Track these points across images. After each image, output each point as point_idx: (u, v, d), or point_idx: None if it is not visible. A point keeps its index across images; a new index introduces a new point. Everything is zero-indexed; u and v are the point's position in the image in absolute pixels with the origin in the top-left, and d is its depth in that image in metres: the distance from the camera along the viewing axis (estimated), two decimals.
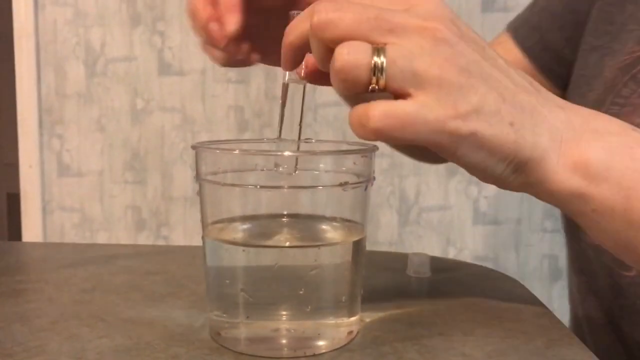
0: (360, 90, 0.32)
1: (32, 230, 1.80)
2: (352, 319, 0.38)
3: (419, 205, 1.74)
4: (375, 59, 0.31)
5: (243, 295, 0.35)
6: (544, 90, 0.36)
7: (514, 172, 0.35)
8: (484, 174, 0.35)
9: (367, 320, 0.41)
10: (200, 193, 0.38)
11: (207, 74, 1.75)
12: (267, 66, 0.47)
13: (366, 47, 0.31)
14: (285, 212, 0.38)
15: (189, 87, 1.76)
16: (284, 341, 0.36)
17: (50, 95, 1.78)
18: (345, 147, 0.40)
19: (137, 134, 1.77)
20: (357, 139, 0.49)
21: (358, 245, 0.37)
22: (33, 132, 1.77)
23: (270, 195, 0.36)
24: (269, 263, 0.35)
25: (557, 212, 1.75)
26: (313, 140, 0.45)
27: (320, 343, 0.36)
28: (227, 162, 0.37)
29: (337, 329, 0.37)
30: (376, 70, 0.31)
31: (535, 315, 0.43)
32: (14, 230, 1.96)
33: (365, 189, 0.38)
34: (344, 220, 0.38)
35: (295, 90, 0.39)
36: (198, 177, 0.37)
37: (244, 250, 0.36)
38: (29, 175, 1.78)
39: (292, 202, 0.37)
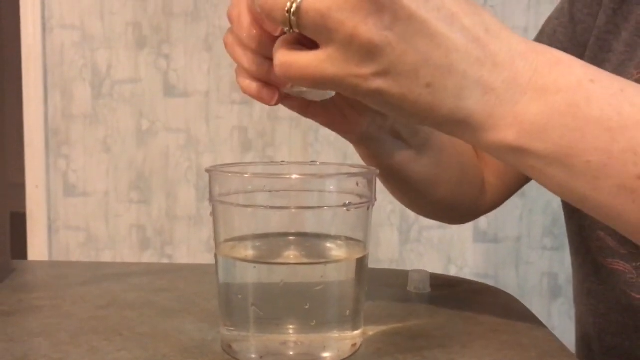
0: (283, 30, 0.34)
1: (37, 249, 1.82)
2: (356, 332, 0.40)
3: (420, 223, 1.76)
4: (289, 4, 0.31)
5: (254, 310, 0.38)
6: (499, 38, 0.34)
7: (437, 127, 0.36)
8: (405, 121, 0.36)
9: (370, 333, 0.43)
10: (213, 213, 0.40)
11: (211, 96, 1.79)
12: None
13: None
14: (292, 231, 0.40)
15: (194, 108, 1.79)
16: (291, 353, 0.38)
17: (56, 116, 1.82)
18: (348, 169, 0.43)
19: (142, 155, 1.80)
20: (359, 161, 0.51)
21: (361, 263, 0.40)
22: (40, 152, 1.80)
23: (279, 215, 0.39)
24: (278, 279, 0.38)
25: (556, 230, 1.77)
26: (317, 163, 0.47)
27: (326, 355, 0.38)
28: (239, 184, 0.39)
29: (341, 341, 0.39)
30: (290, 15, 0.32)
31: (530, 329, 0.45)
32: (19, 249, 1.98)
33: (368, 209, 0.40)
34: (348, 239, 0.40)
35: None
36: (211, 198, 0.40)
37: (254, 267, 0.39)
38: (36, 195, 1.81)
39: (299, 221, 0.39)
